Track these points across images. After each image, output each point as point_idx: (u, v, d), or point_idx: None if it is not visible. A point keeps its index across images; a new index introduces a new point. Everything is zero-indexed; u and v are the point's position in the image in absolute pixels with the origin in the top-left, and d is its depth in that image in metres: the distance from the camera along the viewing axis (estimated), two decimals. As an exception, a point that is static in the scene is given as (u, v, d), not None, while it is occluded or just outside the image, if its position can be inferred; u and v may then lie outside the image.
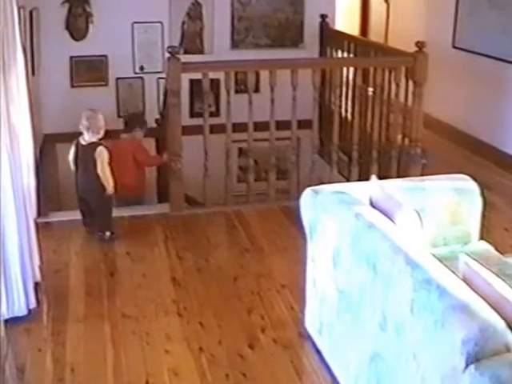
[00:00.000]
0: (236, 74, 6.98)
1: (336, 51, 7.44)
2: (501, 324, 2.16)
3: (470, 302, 2.28)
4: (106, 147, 4.87)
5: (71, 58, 7.34)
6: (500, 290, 2.30)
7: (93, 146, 4.83)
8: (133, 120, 6.39)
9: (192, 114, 7.45)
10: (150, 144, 7.45)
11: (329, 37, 7.78)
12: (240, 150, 7.22)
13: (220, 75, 6.00)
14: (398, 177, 5.48)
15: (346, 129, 6.51)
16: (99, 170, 4.81)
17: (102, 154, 4.81)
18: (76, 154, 4.93)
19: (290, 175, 5.84)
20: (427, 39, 5.71)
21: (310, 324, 3.62)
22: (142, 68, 7.59)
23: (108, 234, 4.91)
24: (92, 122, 4.83)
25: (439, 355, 2.25)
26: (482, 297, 2.31)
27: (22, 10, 5.18)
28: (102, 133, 4.88)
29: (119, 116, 7.46)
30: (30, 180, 4.40)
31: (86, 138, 4.85)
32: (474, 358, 2.08)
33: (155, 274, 4.47)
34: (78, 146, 4.91)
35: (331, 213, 3.24)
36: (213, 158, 5.52)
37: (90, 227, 5.02)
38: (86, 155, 4.86)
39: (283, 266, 4.53)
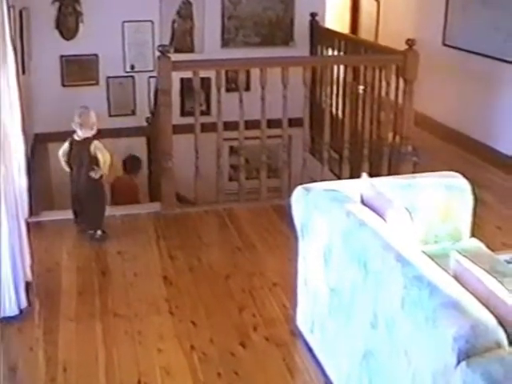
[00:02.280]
0: (227, 72, 6.97)
1: (326, 49, 7.44)
2: (492, 321, 2.17)
3: (461, 299, 2.28)
4: (99, 141, 4.90)
5: (61, 57, 7.33)
6: (491, 287, 2.31)
7: (87, 141, 4.86)
8: (135, 163, 7.28)
9: (183, 113, 7.45)
10: (141, 143, 7.49)
11: (319, 35, 7.79)
12: (231, 148, 7.22)
13: (211, 74, 6.00)
14: (389, 174, 5.47)
15: (337, 127, 6.52)
16: (101, 160, 4.85)
17: (98, 146, 4.86)
18: (69, 151, 4.94)
19: (281, 173, 5.84)
20: (417, 37, 5.72)
21: (302, 322, 3.62)
22: (132, 67, 7.58)
23: (99, 232, 4.90)
24: (84, 118, 4.86)
25: (430, 352, 2.26)
26: (473, 294, 2.32)
27: (11, 10, 5.16)
28: (95, 129, 4.90)
29: (110, 115, 7.46)
30: (21, 179, 4.39)
31: (80, 134, 4.87)
32: (466, 355, 2.08)
33: (147, 272, 4.46)
34: (72, 142, 4.92)
35: (322, 211, 3.24)
36: (204, 157, 5.51)
37: (82, 226, 5.01)
38: (80, 151, 4.88)
39: (275, 264, 4.53)
